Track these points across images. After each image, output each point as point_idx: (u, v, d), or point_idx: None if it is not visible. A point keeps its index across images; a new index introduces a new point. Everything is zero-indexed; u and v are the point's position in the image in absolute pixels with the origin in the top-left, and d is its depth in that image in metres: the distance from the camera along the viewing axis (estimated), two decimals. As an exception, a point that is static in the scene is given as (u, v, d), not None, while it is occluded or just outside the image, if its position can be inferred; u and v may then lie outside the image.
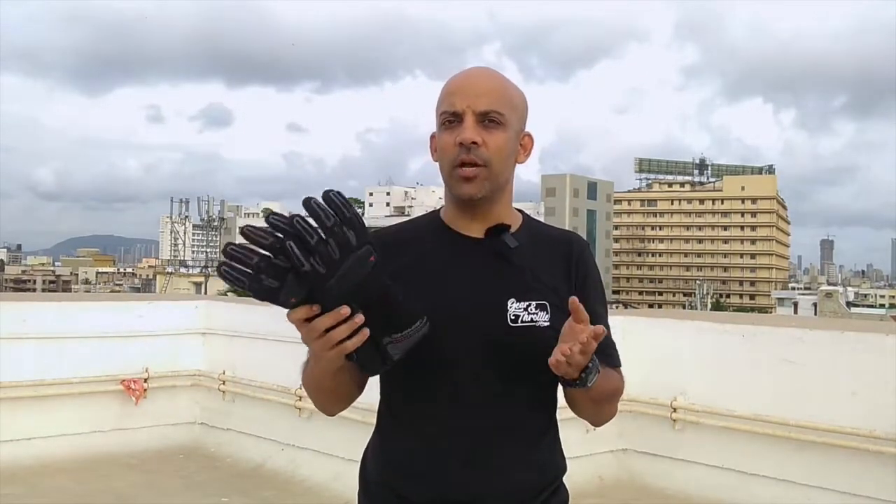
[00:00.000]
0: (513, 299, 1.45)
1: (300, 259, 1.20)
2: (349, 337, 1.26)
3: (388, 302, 1.30)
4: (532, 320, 1.44)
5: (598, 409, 1.52)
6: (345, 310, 1.24)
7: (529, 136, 1.56)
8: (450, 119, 1.47)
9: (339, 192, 1.24)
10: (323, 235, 1.21)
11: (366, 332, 1.26)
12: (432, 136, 1.55)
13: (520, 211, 1.60)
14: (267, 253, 1.21)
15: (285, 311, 1.26)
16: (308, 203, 1.22)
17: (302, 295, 1.23)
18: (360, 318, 1.25)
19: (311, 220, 1.21)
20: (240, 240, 1.24)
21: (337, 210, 1.22)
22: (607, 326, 1.55)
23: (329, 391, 1.47)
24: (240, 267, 1.20)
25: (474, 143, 1.44)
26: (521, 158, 1.55)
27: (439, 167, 1.51)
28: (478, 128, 1.45)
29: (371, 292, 1.27)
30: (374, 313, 1.28)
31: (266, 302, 1.23)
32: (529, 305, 1.45)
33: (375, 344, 1.29)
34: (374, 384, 1.66)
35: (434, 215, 1.58)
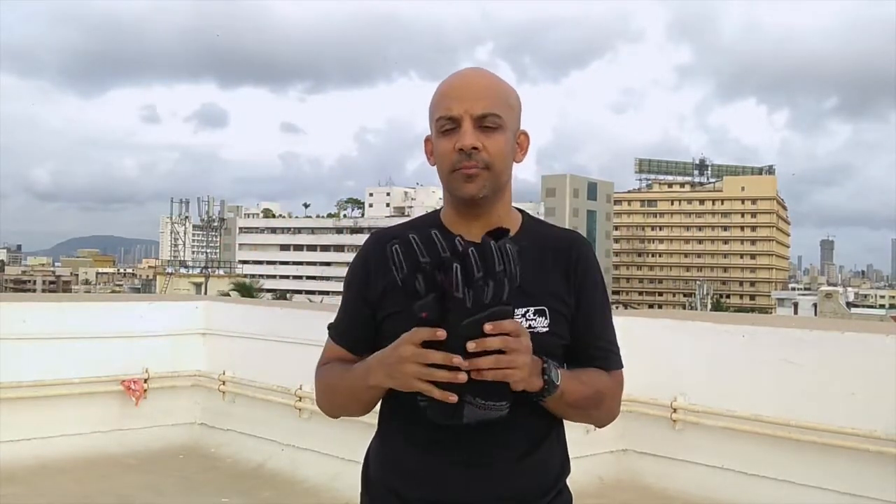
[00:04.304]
0: None
1: (458, 284, 1.21)
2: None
3: None
4: (530, 327, 1.42)
5: (584, 414, 1.50)
6: (458, 360, 1.23)
7: (525, 134, 1.55)
8: (447, 125, 1.45)
9: (513, 245, 1.25)
10: (485, 276, 1.22)
11: (453, 397, 1.26)
12: (427, 140, 1.53)
13: (520, 210, 1.58)
14: (430, 261, 1.23)
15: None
16: (486, 243, 1.23)
17: (434, 315, 1.24)
18: (462, 377, 1.25)
19: (479, 257, 1.22)
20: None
21: (506, 261, 1.23)
22: (607, 328, 1.55)
23: (356, 403, 1.50)
24: (405, 257, 1.23)
25: (475, 148, 1.42)
26: (519, 157, 1.53)
27: (437, 170, 1.50)
28: (476, 132, 1.43)
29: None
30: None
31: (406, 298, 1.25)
32: (527, 312, 1.43)
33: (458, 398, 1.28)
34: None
35: (434, 216, 1.56)
